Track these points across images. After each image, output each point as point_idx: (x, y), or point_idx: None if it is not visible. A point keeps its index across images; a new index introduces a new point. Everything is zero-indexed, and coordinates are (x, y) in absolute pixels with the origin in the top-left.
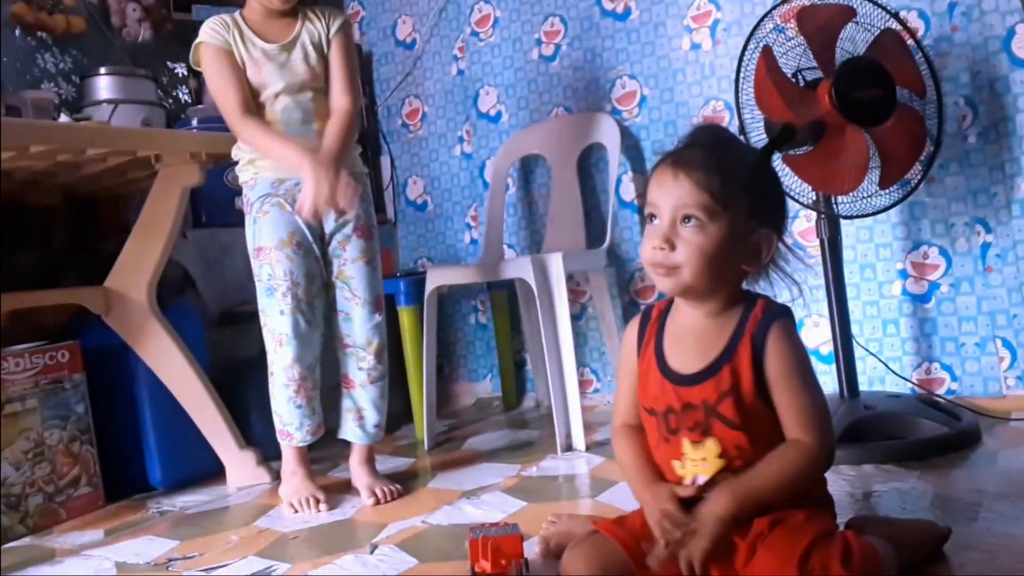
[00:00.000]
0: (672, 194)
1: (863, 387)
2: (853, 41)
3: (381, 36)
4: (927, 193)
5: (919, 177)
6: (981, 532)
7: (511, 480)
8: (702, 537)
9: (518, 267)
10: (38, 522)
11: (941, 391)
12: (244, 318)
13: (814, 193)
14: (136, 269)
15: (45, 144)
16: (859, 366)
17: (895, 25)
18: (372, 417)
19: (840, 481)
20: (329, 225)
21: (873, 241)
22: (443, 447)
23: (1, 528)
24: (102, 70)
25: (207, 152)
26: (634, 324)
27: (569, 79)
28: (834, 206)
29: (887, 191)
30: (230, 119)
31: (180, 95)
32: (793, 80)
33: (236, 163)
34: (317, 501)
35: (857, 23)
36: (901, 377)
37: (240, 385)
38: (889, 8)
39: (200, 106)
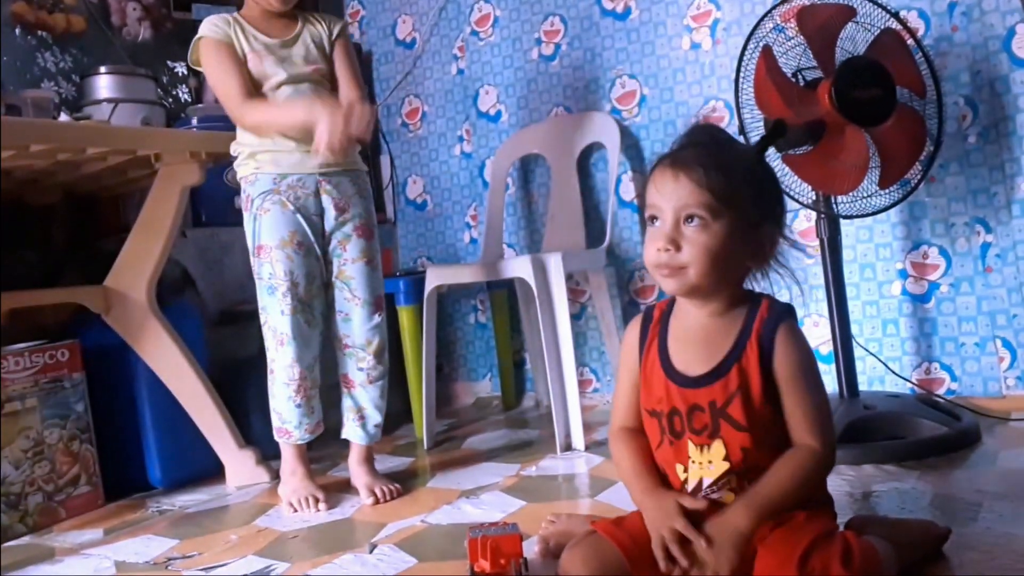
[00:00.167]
0: (674, 195)
1: (863, 387)
2: (853, 41)
3: (381, 35)
4: (927, 193)
5: (919, 177)
6: (981, 532)
7: (510, 480)
8: (727, 556)
9: (518, 266)
10: (38, 521)
11: (941, 391)
12: (243, 317)
13: (814, 193)
14: (136, 268)
15: (45, 143)
16: (859, 366)
17: (895, 25)
18: (373, 417)
19: (840, 481)
20: (329, 223)
21: (873, 241)
22: (442, 447)
23: (1, 527)
24: (102, 69)
25: (207, 151)
26: (635, 325)
27: (569, 78)
28: (834, 206)
29: (887, 191)
30: (232, 106)
31: (180, 94)
32: (793, 80)
33: (234, 161)
34: (316, 500)
35: (857, 23)
36: (901, 377)
37: (239, 384)
38: (889, 8)
39: (200, 105)
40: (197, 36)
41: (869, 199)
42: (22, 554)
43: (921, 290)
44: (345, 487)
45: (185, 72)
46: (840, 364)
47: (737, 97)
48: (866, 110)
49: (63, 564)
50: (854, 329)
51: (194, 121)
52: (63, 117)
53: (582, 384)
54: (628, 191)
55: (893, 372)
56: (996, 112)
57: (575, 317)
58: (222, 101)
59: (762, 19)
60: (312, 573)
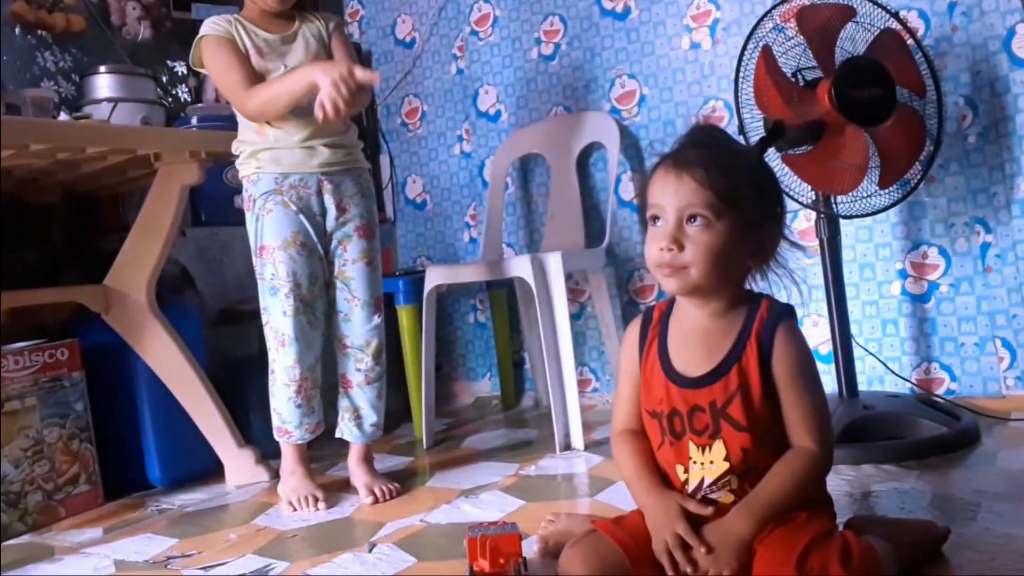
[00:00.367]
0: (676, 194)
1: (862, 387)
2: (853, 41)
3: (381, 35)
4: (927, 193)
5: (919, 177)
6: (980, 532)
7: (509, 479)
8: (727, 561)
9: (517, 266)
10: (37, 520)
11: (940, 391)
12: (243, 316)
13: (813, 193)
14: (135, 267)
15: (45, 142)
16: (858, 366)
17: (895, 25)
18: (369, 417)
19: (839, 481)
20: (331, 223)
21: (872, 241)
22: (442, 446)
23: (0, 525)
24: (102, 68)
25: (206, 151)
26: (635, 326)
27: (568, 78)
28: (833, 206)
29: (887, 191)
30: (236, 96)
31: (180, 94)
32: (793, 80)
33: (236, 160)
34: (316, 500)
35: (857, 23)
36: (900, 377)
37: (239, 383)
38: (889, 8)
39: (200, 104)
40: (199, 36)
41: (869, 199)
42: (22, 553)
43: (921, 290)
44: (344, 486)
45: (185, 72)
46: (840, 364)
47: (737, 97)
48: (866, 110)
49: (63, 563)
50: (854, 329)
51: (194, 120)
52: (63, 116)
53: (581, 384)
54: (628, 191)
55: (893, 372)
56: (996, 112)
57: (575, 317)
58: (225, 94)
59: (762, 19)
60: (311, 572)
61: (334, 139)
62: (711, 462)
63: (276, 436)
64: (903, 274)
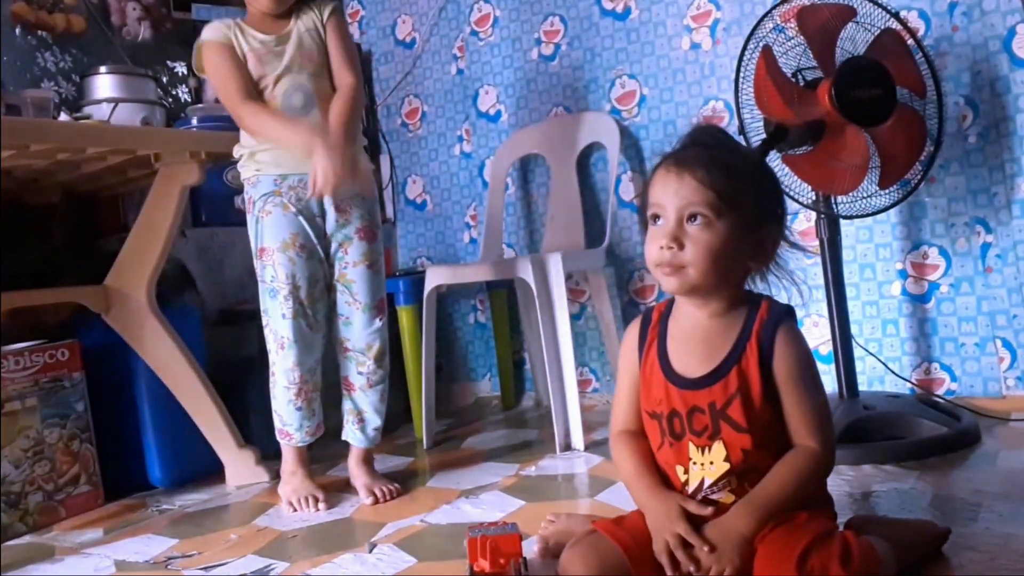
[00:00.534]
0: (678, 193)
1: (862, 387)
2: (853, 41)
3: (381, 35)
4: (927, 193)
5: (919, 177)
6: (980, 532)
7: (510, 479)
8: (729, 559)
9: (517, 267)
10: (38, 520)
11: (941, 391)
12: (243, 317)
13: (814, 193)
14: (136, 268)
15: (45, 143)
16: (858, 366)
17: (895, 25)
18: (372, 421)
19: (839, 481)
20: (330, 225)
21: (873, 241)
22: (442, 446)
23: (1, 526)
24: (102, 69)
25: (207, 151)
26: (634, 327)
27: (568, 78)
28: (834, 206)
29: (887, 191)
30: (231, 105)
31: (180, 94)
32: (793, 80)
33: (236, 161)
34: (316, 500)
35: (857, 23)
36: (900, 377)
37: (239, 384)
38: (889, 8)
39: (200, 105)
40: (199, 42)
41: (869, 199)
42: (22, 553)
43: (921, 290)
44: (345, 487)
45: (185, 72)
46: (840, 364)
47: (737, 97)
48: (866, 110)
49: (63, 563)
50: (854, 329)
51: (194, 121)
52: (63, 117)
53: (582, 384)
54: (628, 191)
55: (893, 372)
56: (996, 112)
57: (575, 317)
58: (223, 101)
59: (762, 19)
60: (311, 572)
61: None
62: (711, 463)
63: (277, 437)
64: (903, 274)
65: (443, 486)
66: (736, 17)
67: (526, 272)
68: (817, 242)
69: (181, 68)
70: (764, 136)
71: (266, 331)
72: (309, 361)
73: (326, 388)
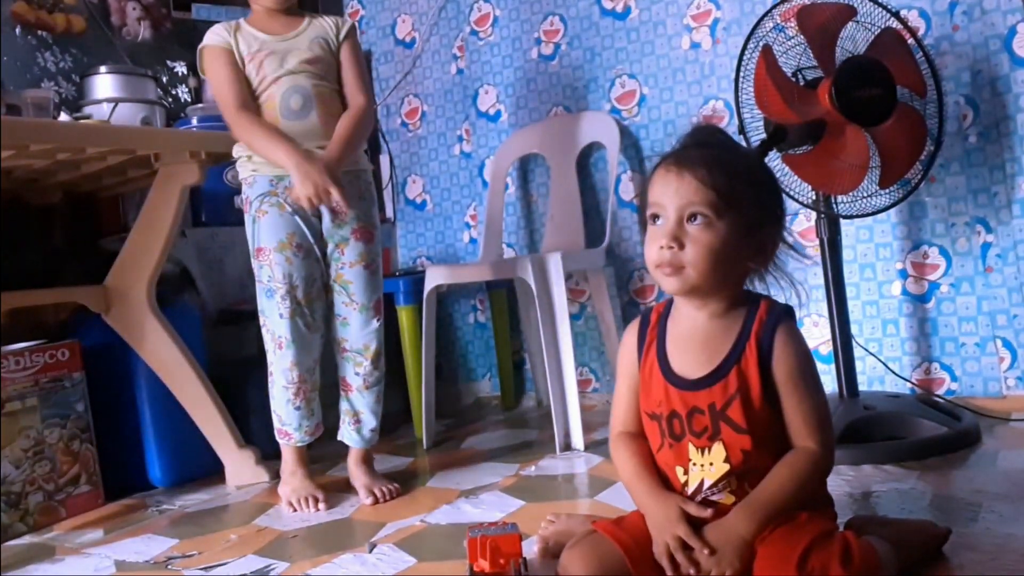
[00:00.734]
0: (678, 193)
1: (862, 387)
2: (853, 40)
3: (381, 35)
4: (927, 193)
5: (919, 177)
6: (981, 532)
7: (510, 479)
8: (729, 562)
9: (517, 266)
10: (38, 520)
11: (941, 391)
12: (243, 317)
13: (814, 193)
14: (136, 267)
15: (45, 143)
16: (859, 366)
17: (896, 24)
18: (369, 422)
19: (840, 481)
20: (327, 226)
21: (873, 241)
22: (442, 446)
23: (1, 526)
24: (102, 69)
25: (207, 151)
26: (633, 328)
27: (568, 78)
28: (834, 206)
29: (887, 191)
30: (226, 114)
31: (180, 94)
32: (793, 79)
33: (236, 161)
34: (316, 500)
35: (857, 22)
36: (901, 377)
37: (239, 384)
38: (889, 7)
39: (200, 105)
40: (200, 45)
41: (869, 199)
42: (22, 553)
43: (921, 290)
44: (345, 487)
45: (185, 72)
46: (840, 364)
47: (737, 97)
48: (866, 110)
49: (63, 563)
50: (854, 329)
51: (194, 121)
52: (63, 117)
53: (582, 384)
54: (627, 191)
55: (893, 372)
56: (997, 111)
57: (575, 317)
58: (219, 108)
59: (762, 18)
60: (311, 573)
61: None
62: (710, 464)
63: (277, 437)
64: (903, 274)
65: (443, 486)
66: (736, 16)
67: (526, 272)
68: (817, 242)
69: (181, 68)
70: (764, 136)
71: (263, 331)
72: (307, 361)
73: (325, 388)
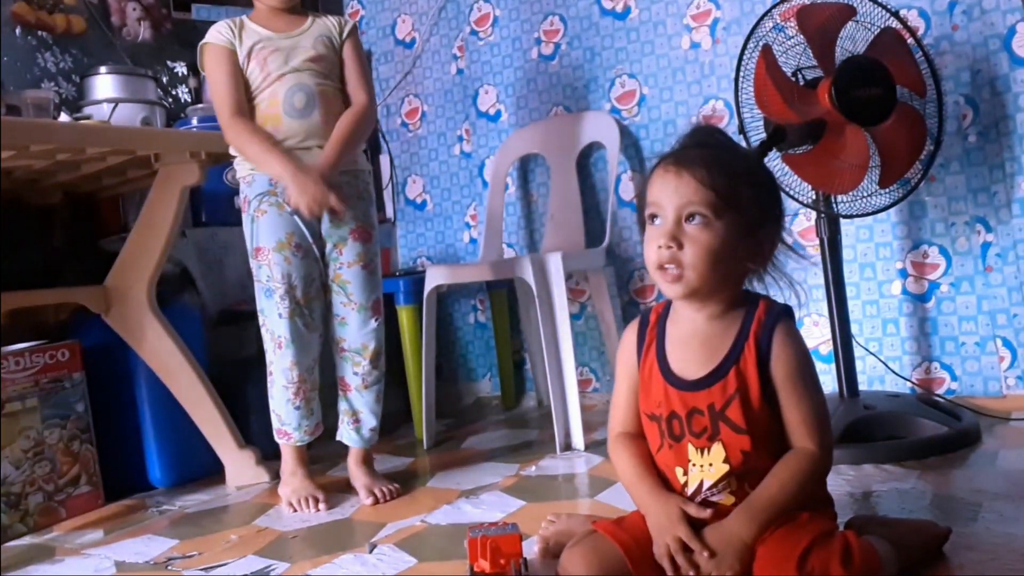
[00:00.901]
0: (676, 193)
1: (863, 387)
2: (853, 40)
3: (381, 35)
4: (927, 192)
5: (919, 176)
6: (981, 532)
7: (510, 479)
8: (729, 565)
9: (517, 266)
10: (38, 521)
11: (941, 391)
12: (243, 317)
13: (814, 192)
14: (136, 268)
15: (45, 143)
16: (859, 366)
17: (895, 24)
18: (368, 422)
19: (840, 481)
20: (325, 226)
21: (873, 240)
22: (442, 446)
23: (1, 526)
24: (102, 69)
25: (207, 151)
26: (632, 329)
27: (568, 78)
28: (834, 205)
29: (887, 190)
30: (220, 117)
31: (180, 94)
32: (793, 79)
33: (235, 160)
34: (316, 500)
35: (857, 22)
36: (901, 377)
37: (239, 384)
38: (889, 7)
39: (200, 105)
40: (202, 42)
41: (869, 198)
42: (22, 554)
43: (921, 289)
44: (345, 487)
45: (185, 72)
46: (840, 364)
47: (737, 96)
48: (866, 109)
49: (63, 564)
50: (854, 329)
51: (194, 121)
52: (63, 117)
53: (582, 384)
54: (628, 191)
55: (893, 372)
56: (996, 111)
57: (575, 317)
58: (215, 110)
59: (762, 18)
60: (312, 573)
61: None
62: (710, 464)
63: (276, 437)
64: (903, 273)
65: (443, 486)
66: (736, 16)
67: (526, 272)
68: (817, 241)
69: (181, 68)
70: (764, 135)
71: (263, 331)
72: (307, 360)
73: (325, 388)
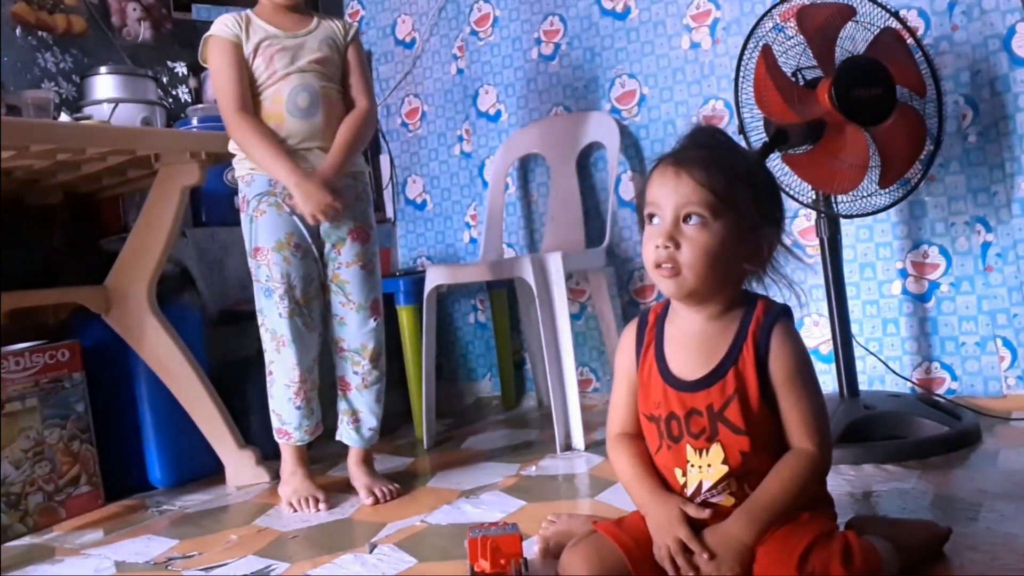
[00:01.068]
0: (675, 193)
1: (863, 387)
2: (853, 40)
3: (381, 35)
4: (927, 192)
5: (919, 176)
6: (982, 532)
7: (510, 479)
8: (729, 567)
9: (518, 266)
10: (38, 521)
11: (941, 391)
12: (243, 317)
13: (814, 192)
14: (136, 268)
15: (45, 143)
16: (859, 365)
17: (895, 24)
18: (368, 421)
19: (840, 481)
20: (323, 226)
21: (873, 240)
22: (442, 446)
23: (1, 527)
24: (102, 69)
25: (207, 151)
26: (630, 329)
27: (568, 78)
28: (834, 205)
29: (887, 190)
30: (224, 113)
31: (180, 94)
32: (793, 79)
33: (234, 159)
34: (316, 500)
35: (857, 22)
36: (901, 377)
37: (240, 384)
38: (889, 7)
39: (200, 105)
40: (207, 34)
41: (869, 198)
42: (22, 554)
43: (921, 289)
44: (345, 487)
45: (185, 72)
46: (840, 364)
47: (737, 96)
48: (866, 109)
49: (63, 564)
50: (854, 329)
51: (194, 121)
52: (63, 117)
53: (582, 384)
54: (628, 191)
55: (893, 372)
56: (996, 111)
57: (575, 317)
58: (218, 104)
59: (762, 18)
60: (312, 573)
61: (331, 144)
62: (708, 465)
63: (276, 437)
64: (903, 273)
65: (443, 486)
66: (736, 16)
67: (526, 272)
68: (817, 241)
69: (181, 68)
70: (764, 135)
71: (262, 331)
72: (307, 360)
73: (324, 388)
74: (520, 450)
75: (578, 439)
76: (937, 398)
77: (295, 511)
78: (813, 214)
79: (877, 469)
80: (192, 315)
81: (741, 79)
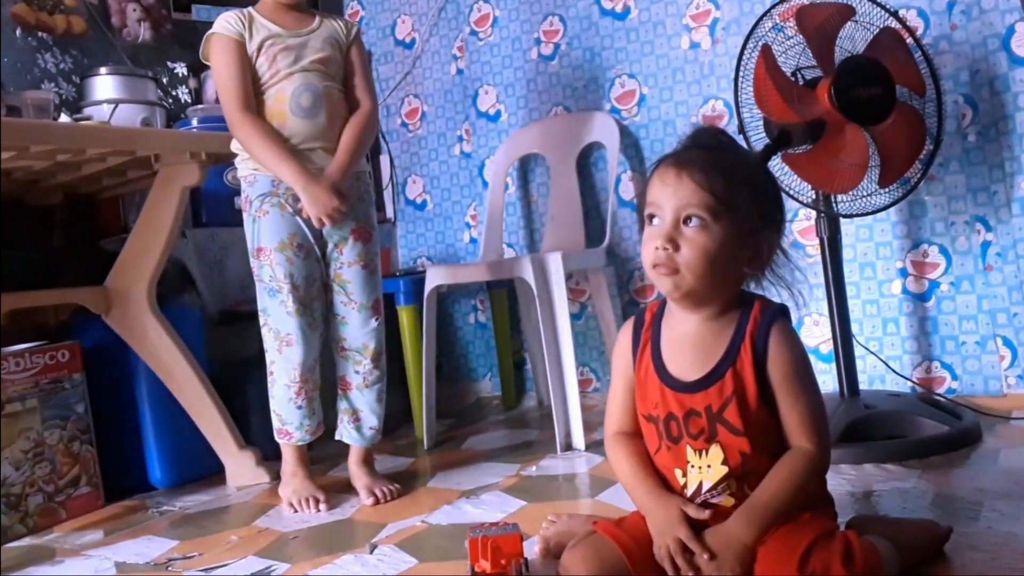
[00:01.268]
0: (675, 194)
1: (863, 386)
2: (852, 39)
3: (380, 35)
4: (927, 192)
5: (919, 176)
6: (982, 531)
7: (511, 480)
8: (730, 567)
9: (518, 266)
10: (38, 522)
11: (941, 390)
12: (244, 317)
13: (814, 192)
14: (136, 268)
15: (45, 144)
16: (859, 365)
17: (894, 23)
18: (369, 421)
19: (840, 480)
20: (326, 226)
21: (873, 240)
22: (442, 447)
23: (1, 528)
24: (102, 70)
25: (207, 152)
26: (627, 329)
27: (568, 78)
28: (834, 205)
29: (887, 190)
30: (228, 112)
31: (180, 95)
32: (792, 79)
33: (236, 159)
34: (317, 501)
35: (856, 21)
36: (901, 376)
37: (240, 384)
38: (888, 6)
39: (200, 106)
40: (210, 32)
41: (869, 198)
42: (22, 555)
43: (921, 289)
44: (345, 487)
45: (185, 73)
46: (840, 363)
47: (736, 96)
48: (866, 109)
49: (63, 565)
50: (854, 328)
51: (194, 122)
52: (63, 118)
53: (582, 384)
54: (628, 191)
55: (893, 371)
56: (996, 110)
57: (575, 317)
58: (221, 103)
59: (761, 18)
60: (312, 573)
61: (333, 144)
62: (708, 466)
63: (276, 437)
64: (903, 273)
65: (444, 486)
66: (735, 16)
67: (526, 272)
68: (817, 241)
69: (181, 69)
70: (764, 135)
71: (264, 330)
72: (309, 359)
73: (325, 389)
74: (520, 450)
75: (578, 439)
76: (937, 397)
77: (295, 511)
78: (813, 214)
79: (877, 469)
80: (192, 315)
81: (741, 79)
